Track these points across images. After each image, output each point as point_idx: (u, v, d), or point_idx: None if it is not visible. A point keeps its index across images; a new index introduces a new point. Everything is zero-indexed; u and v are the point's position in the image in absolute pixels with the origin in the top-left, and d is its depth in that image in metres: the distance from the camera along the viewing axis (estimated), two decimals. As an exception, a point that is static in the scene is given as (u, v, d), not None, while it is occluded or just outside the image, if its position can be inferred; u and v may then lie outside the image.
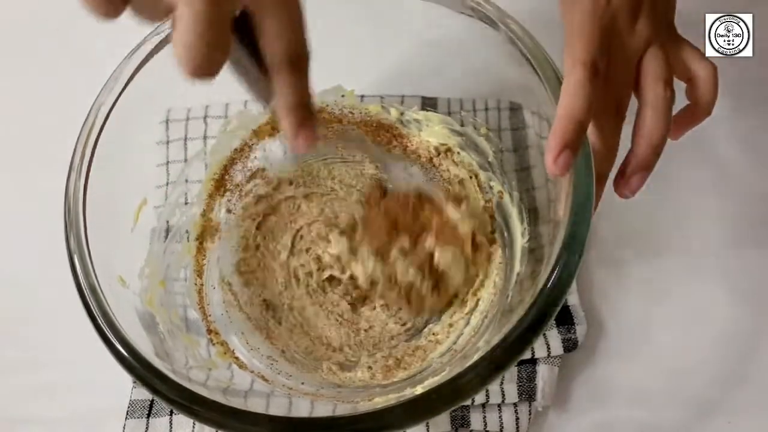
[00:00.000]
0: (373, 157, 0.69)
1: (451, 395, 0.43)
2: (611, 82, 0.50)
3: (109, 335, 0.47)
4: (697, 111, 0.55)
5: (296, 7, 0.37)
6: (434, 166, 0.68)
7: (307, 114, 0.41)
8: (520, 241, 0.60)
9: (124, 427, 0.59)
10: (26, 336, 0.66)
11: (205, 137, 0.66)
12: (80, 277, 0.49)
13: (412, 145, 0.68)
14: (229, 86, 0.66)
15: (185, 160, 0.65)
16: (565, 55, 0.46)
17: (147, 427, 0.59)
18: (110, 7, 0.33)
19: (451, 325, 0.61)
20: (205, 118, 0.67)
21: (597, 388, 0.62)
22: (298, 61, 0.39)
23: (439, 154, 0.67)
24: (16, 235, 0.68)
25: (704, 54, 0.55)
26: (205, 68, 0.34)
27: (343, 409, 0.54)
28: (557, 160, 0.44)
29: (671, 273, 0.66)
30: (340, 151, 0.69)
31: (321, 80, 0.64)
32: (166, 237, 0.62)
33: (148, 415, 0.60)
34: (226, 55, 0.34)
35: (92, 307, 0.48)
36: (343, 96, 0.67)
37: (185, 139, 0.66)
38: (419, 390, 0.47)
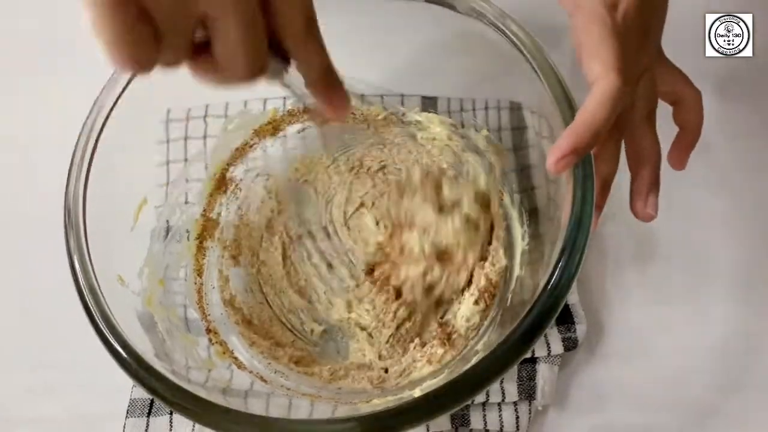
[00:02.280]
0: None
1: (449, 398, 0.43)
2: None
3: (107, 335, 0.47)
4: (687, 135, 0.56)
5: None
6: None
7: (335, 80, 0.42)
8: (521, 244, 0.60)
9: (124, 427, 0.59)
10: (26, 336, 0.66)
11: (205, 137, 0.66)
12: (79, 278, 0.49)
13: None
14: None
15: (185, 160, 0.65)
16: (589, 60, 0.45)
17: (147, 426, 0.59)
18: (141, 52, 0.32)
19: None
20: (205, 117, 0.66)
21: (597, 387, 0.62)
22: (312, 27, 0.39)
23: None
24: (17, 235, 0.68)
25: (688, 78, 0.56)
26: (261, 64, 0.36)
27: (342, 411, 0.54)
28: (560, 162, 0.44)
29: (672, 274, 0.66)
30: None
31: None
32: (166, 236, 0.62)
33: (149, 414, 0.60)
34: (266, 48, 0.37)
35: (91, 308, 0.48)
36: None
37: (185, 138, 0.66)
38: (417, 393, 0.47)
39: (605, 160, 0.53)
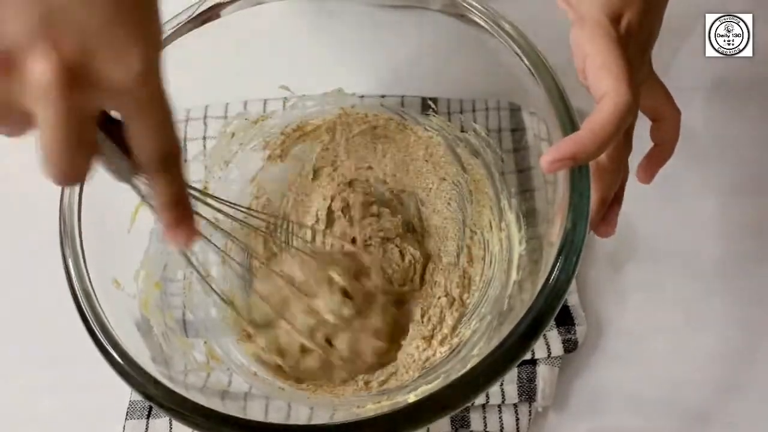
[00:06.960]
0: None
1: (448, 401, 0.43)
2: None
3: (102, 340, 0.46)
4: (661, 152, 0.55)
5: (162, 105, 0.37)
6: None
7: (183, 211, 0.41)
8: (518, 248, 0.59)
9: (124, 428, 0.60)
10: (27, 336, 0.66)
11: (204, 138, 0.66)
12: (74, 281, 0.48)
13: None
14: (228, 86, 0.65)
15: (184, 161, 0.65)
16: (597, 71, 0.44)
17: (147, 428, 0.59)
18: None
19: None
20: (204, 118, 0.66)
21: (597, 389, 0.62)
22: (168, 160, 0.38)
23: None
24: (15, 235, 0.69)
25: (671, 96, 0.55)
26: (74, 174, 0.34)
27: (341, 416, 0.54)
28: (555, 163, 0.43)
29: (671, 277, 0.65)
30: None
31: (322, 83, 0.64)
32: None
33: (148, 416, 0.60)
34: (92, 157, 0.35)
35: (86, 312, 0.47)
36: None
37: (184, 140, 0.66)
38: (412, 398, 0.47)
39: (610, 179, 0.53)
